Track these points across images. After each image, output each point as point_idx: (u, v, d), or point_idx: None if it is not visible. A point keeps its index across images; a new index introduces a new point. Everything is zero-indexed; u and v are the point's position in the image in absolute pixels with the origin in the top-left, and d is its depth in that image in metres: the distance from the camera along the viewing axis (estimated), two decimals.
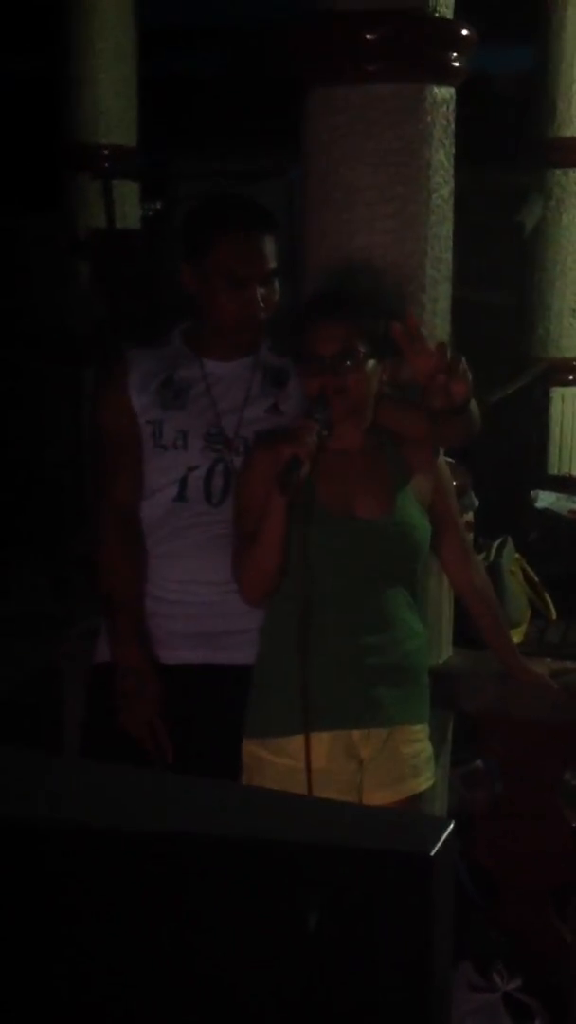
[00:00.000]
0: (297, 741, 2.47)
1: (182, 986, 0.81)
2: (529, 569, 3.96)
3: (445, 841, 0.85)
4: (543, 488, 4.41)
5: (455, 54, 2.83)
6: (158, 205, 6.37)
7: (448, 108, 2.86)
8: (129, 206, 5.97)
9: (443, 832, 0.85)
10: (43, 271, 6.18)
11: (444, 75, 2.83)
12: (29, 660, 3.51)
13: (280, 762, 2.48)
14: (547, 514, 4.29)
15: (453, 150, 2.90)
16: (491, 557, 3.74)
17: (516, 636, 3.43)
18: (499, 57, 6.48)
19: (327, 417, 2.43)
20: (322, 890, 0.79)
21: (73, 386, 5.58)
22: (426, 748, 2.60)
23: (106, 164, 5.67)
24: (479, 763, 3.48)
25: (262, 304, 2.59)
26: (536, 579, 3.97)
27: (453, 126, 2.88)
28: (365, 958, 0.81)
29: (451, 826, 0.86)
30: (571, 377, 5.34)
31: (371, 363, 2.47)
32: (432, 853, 0.83)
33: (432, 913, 0.83)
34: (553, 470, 5.11)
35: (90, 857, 0.88)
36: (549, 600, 3.97)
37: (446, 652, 3.05)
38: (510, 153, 5.71)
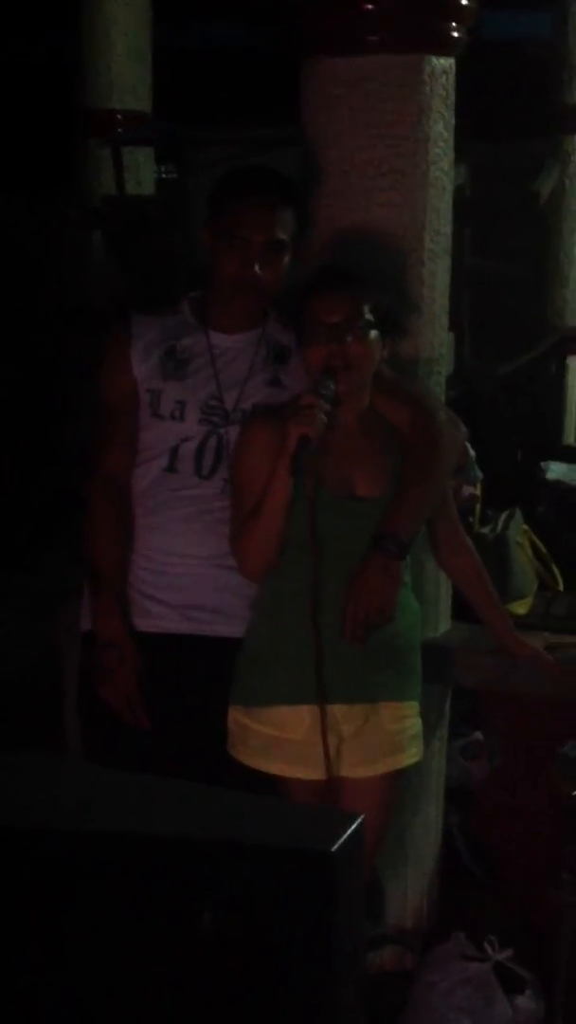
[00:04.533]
0: (278, 711, 2.50)
1: (75, 984, 0.82)
2: (537, 541, 3.94)
3: (349, 837, 0.85)
4: (554, 459, 4.37)
5: (455, 24, 2.80)
6: (173, 171, 6.31)
7: (448, 79, 2.82)
8: (145, 172, 5.94)
9: (347, 828, 0.85)
10: (63, 247, 6.13)
11: (443, 45, 2.79)
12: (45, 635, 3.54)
13: (263, 730, 2.51)
14: (558, 486, 4.25)
15: (453, 121, 2.87)
16: (498, 529, 3.72)
17: (522, 607, 3.41)
18: (526, 22, 6.38)
19: (333, 393, 2.41)
20: (218, 888, 0.80)
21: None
22: (414, 724, 2.60)
23: (118, 129, 5.64)
24: (478, 735, 3.48)
25: (259, 271, 2.56)
26: (544, 551, 3.95)
27: (453, 97, 2.85)
28: (265, 954, 0.82)
29: (358, 821, 0.87)
30: None
31: (374, 334, 2.46)
32: (333, 849, 0.83)
33: (333, 908, 0.83)
34: (569, 440, 5.07)
35: None
36: (557, 572, 3.95)
37: (444, 625, 3.05)
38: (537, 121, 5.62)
